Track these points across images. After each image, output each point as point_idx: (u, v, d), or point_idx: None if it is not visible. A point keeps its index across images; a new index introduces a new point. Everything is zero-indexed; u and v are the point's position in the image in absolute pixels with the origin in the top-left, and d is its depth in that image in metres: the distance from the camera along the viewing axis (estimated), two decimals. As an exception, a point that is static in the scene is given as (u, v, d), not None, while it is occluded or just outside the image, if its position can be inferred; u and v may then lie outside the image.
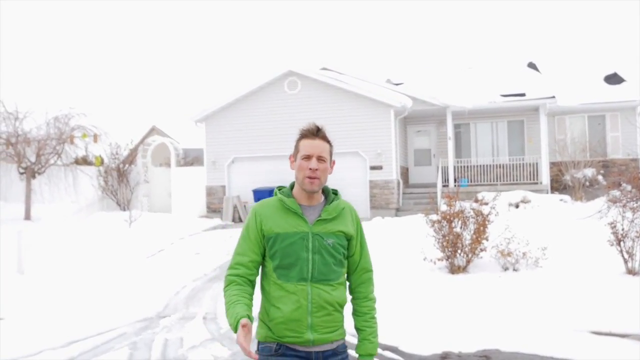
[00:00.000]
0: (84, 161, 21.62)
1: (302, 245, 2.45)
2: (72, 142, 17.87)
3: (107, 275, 11.23)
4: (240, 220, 18.72)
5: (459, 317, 7.25)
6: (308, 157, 2.48)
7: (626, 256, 9.20)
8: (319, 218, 2.50)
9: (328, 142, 2.56)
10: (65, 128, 17.46)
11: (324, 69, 20.34)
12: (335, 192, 2.63)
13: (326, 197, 2.61)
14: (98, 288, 9.94)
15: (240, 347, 2.15)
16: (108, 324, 7.46)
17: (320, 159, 2.49)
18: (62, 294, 9.48)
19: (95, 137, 18.33)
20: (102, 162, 20.38)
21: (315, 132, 2.52)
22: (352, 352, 2.67)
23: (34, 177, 16.80)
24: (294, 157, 2.59)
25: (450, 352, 5.96)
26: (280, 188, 2.62)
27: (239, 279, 2.47)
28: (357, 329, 2.64)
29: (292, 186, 2.61)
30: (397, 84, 20.46)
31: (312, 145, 2.50)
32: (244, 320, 2.19)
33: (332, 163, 2.59)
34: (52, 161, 17.21)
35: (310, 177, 2.47)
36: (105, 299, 9.06)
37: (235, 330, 2.22)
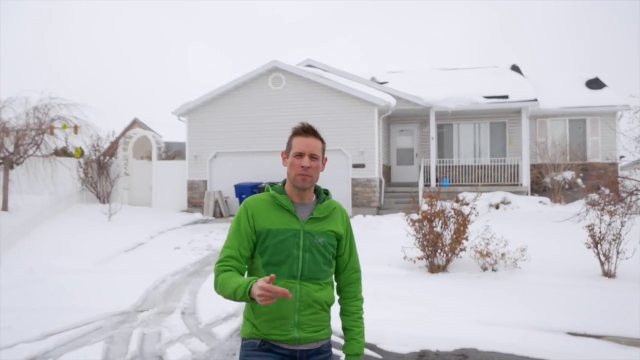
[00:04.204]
0: (64, 152, 21.30)
1: (293, 242, 2.43)
2: (52, 133, 17.57)
3: (85, 268, 11.10)
4: (222, 215, 18.62)
5: (437, 316, 7.29)
6: (300, 155, 2.47)
7: (603, 259, 9.33)
8: (311, 216, 2.51)
9: (321, 139, 2.56)
10: (45, 118, 17.16)
11: (309, 65, 20.32)
12: (326, 192, 2.65)
13: (317, 196, 2.62)
14: (75, 281, 9.82)
15: (266, 289, 2.04)
16: (85, 317, 7.36)
17: (312, 156, 2.49)
18: (39, 287, 9.35)
19: (76, 129, 18.04)
20: (82, 154, 20.10)
21: (309, 130, 2.52)
22: (338, 352, 2.67)
23: (12, 167, 16.50)
24: (286, 154, 2.56)
25: (428, 351, 5.99)
26: (272, 185, 2.60)
27: (231, 269, 2.39)
28: (344, 328, 2.64)
29: (284, 183, 2.59)
30: (381, 83, 20.51)
31: (305, 143, 2.49)
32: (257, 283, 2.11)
33: (324, 160, 2.59)
34: (31, 152, 16.90)
35: (302, 175, 2.46)
36: (82, 292, 8.95)
37: (243, 295, 2.16)
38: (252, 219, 2.46)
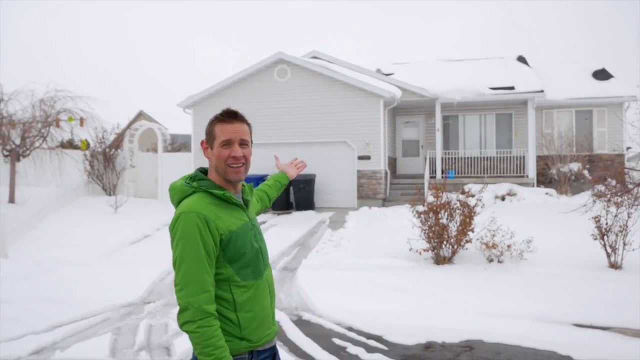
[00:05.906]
0: (70, 145, 21.38)
1: (251, 236, 2.23)
2: (58, 125, 17.64)
3: (91, 260, 11.16)
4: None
5: (443, 307, 7.30)
6: (228, 143, 2.19)
7: (609, 250, 9.31)
8: (248, 203, 2.36)
9: (247, 123, 2.28)
10: (51, 111, 17.22)
11: (314, 57, 20.25)
12: None
13: None
14: (81, 273, 9.87)
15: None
16: (91, 309, 7.41)
17: (242, 143, 2.22)
18: (46, 279, 9.41)
19: (82, 121, 18.10)
20: (88, 146, 20.16)
21: (233, 114, 2.22)
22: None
23: (18, 160, 16.60)
24: (208, 144, 2.24)
25: (434, 342, 6.00)
26: (193, 179, 2.25)
27: (214, 311, 2.06)
28: (274, 179, 3.07)
29: (205, 173, 2.29)
30: (387, 74, 20.42)
31: (232, 130, 2.19)
32: None
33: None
34: (37, 144, 16.99)
35: (234, 167, 2.20)
36: (89, 284, 9.01)
37: None
38: (215, 230, 2.08)
